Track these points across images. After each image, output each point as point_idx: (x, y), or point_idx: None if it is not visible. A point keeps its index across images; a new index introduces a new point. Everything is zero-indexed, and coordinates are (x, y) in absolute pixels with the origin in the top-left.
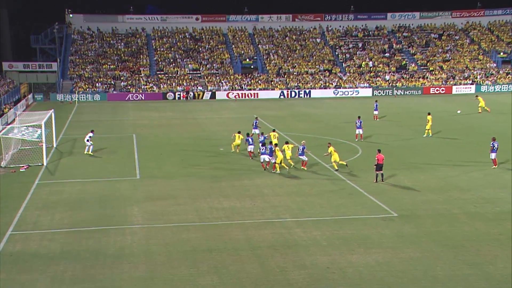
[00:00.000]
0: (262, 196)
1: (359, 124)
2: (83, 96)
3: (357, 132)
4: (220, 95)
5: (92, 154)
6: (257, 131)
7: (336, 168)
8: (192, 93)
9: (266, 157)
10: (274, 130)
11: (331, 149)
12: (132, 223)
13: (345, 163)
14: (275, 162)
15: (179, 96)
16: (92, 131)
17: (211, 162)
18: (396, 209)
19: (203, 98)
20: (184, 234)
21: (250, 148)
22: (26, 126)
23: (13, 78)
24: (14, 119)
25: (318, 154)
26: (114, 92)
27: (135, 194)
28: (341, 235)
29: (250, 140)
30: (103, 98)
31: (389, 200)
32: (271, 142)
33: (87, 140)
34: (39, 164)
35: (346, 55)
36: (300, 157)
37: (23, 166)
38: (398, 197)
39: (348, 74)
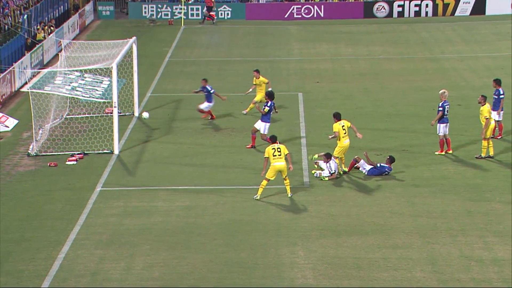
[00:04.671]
0: None
1: None
2: (196, 9)
3: None
4: (496, 5)
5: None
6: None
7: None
8: (211, 14)
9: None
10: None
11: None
12: (292, 284)
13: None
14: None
15: (400, 9)
16: None
17: (467, 154)
18: None
19: (455, 13)
20: None
21: None
22: (80, 70)
23: None
24: (57, 55)
25: None
26: (261, 1)
27: (298, 219)
28: None
29: None
30: (238, 15)
31: None
32: None
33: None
34: (106, 151)
35: None
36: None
37: (72, 156)
38: None
39: None
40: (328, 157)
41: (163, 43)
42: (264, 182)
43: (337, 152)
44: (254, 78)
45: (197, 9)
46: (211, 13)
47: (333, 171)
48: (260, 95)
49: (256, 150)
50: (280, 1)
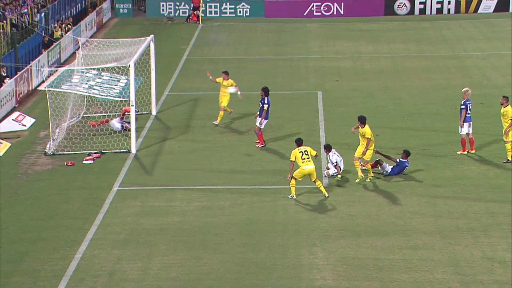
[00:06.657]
0: None
1: None
2: (214, 7)
3: None
4: None
5: None
6: None
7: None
8: (199, 11)
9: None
10: None
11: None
12: (311, 285)
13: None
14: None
15: (421, 6)
16: None
17: (490, 154)
18: None
19: (478, 10)
20: None
21: None
22: (97, 69)
23: None
24: (74, 53)
25: None
26: None
27: (317, 220)
28: None
29: None
30: (256, 12)
31: None
32: None
33: None
34: (123, 150)
35: None
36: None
37: (90, 155)
38: None
39: None
40: (328, 148)
41: (180, 41)
42: (293, 181)
43: (368, 156)
44: (222, 79)
45: (215, 7)
46: (194, 13)
47: (335, 163)
48: (224, 99)
49: (273, 150)
50: None
